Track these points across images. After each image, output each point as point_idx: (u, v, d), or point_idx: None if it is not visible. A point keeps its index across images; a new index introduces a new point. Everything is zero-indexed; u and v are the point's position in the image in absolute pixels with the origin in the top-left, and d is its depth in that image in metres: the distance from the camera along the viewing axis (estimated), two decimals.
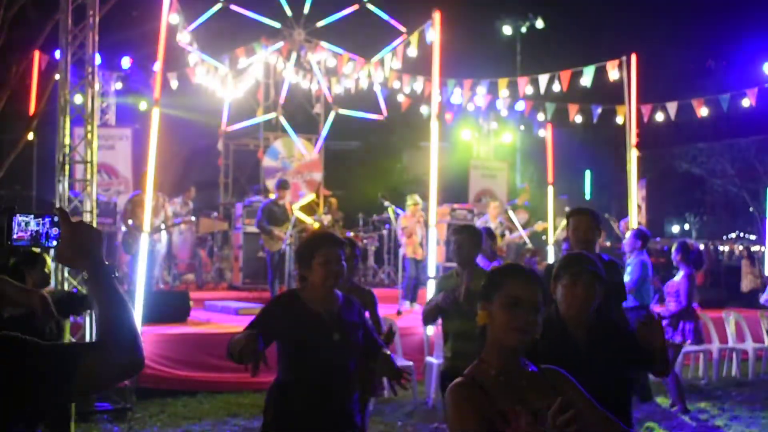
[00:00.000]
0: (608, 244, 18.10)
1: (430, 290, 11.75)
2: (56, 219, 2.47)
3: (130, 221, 12.83)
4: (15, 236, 2.40)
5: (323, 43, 18.93)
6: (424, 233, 14.24)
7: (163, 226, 13.96)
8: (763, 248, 24.70)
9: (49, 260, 6.79)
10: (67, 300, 6.85)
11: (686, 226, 44.11)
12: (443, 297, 6.43)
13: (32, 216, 2.44)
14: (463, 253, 6.69)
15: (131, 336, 2.44)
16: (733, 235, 41.59)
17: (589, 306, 4.20)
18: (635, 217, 14.82)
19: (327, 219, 17.18)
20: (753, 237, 37.45)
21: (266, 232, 14.46)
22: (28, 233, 2.44)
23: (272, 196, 15.91)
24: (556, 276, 4.31)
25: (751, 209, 36.10)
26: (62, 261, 2.68)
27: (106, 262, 2.58)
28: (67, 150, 10.90)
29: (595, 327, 4.25)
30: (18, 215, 2.41)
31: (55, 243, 2.48)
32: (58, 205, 10.82)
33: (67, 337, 7.77)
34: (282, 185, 15.22)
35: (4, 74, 18.14)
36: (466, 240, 6.73)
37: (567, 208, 18.73)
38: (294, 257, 4.81)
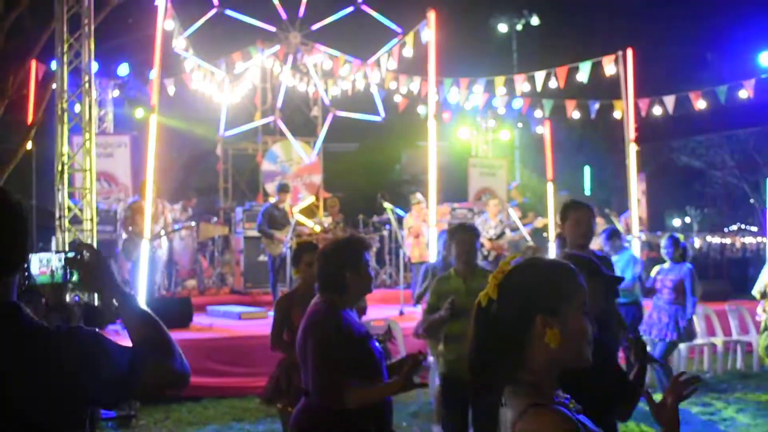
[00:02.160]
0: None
1: None
2: (69, 255, 2.63)
3: (130, 228, 12.83)
4: (38, 272, 2.59)
5: (319, 46, 18.93)
6: (428, 233, 14.24)
7: (163, 233, 13.96)
8: (764, 239, 24.71)
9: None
10: (87, 313, 6.92)
11: (687, 219, 44.08)
12: (446, 308, 6.27)
13: (53, 252, 2.63)
14: (464, 251, 6.60)
15: (176, 347, 2.69)
16: (734, 227, 41.57)
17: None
18: (636, 212, 14.82)
19: (328, 221, 17.18)
20: (754, 228, 37.45)
21: (267, 235, 14.47)
22: (50, 269, 2.61)
23: (272, 200, 15.92)
24: None
25: (751, 201, 36.11)
26: (86, 291, 2.88)
27: (125, 287, 2.72)
28: (65, 158, 10.93)
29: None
30: (38, 253, 2.59)
31: (75, 277, 2.64)
32: (58, 214, 10.84)
33: None
34: (282, 188, 15.22)
35: (2, 84, 18.16)
36: (465, 239, 6.64)
37: None
38: (337, 263, 4.34)
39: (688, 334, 10.21)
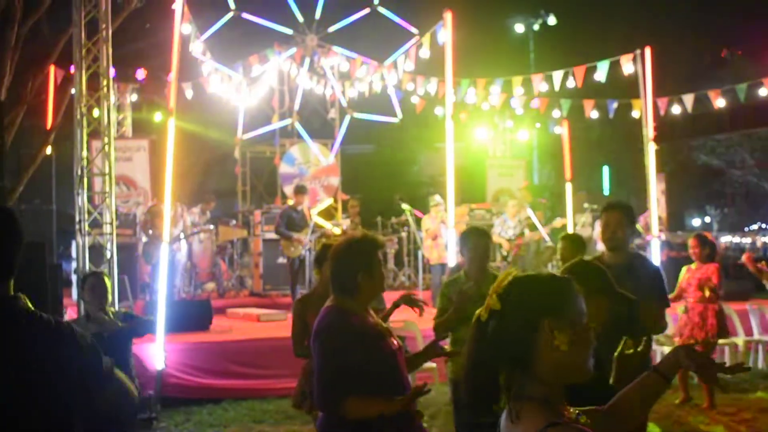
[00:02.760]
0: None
1: None
2: None
3: (150, 231, 12.88)
4: None
5: (336, 48, 18.94)
6: (446, 235, 14.22)
7: (182, 236, 13.99)
8: None
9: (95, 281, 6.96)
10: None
11: (707, 219, 43.85)
12: (457, 305, 6.19)
13: None
14: (478, 255, 6.50)
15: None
16: (754, 227, 41.32)
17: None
18: (655, 211, 14.74)
19: (346, 223, 17.19)
20: None
21: (285, 237, 14.48)
22: None
23: (290, 202, 15.93)
24: None
25: None
26: None
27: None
28: (84, 163, 10.98)
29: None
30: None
31: None
32: (78, 218, 10.89)
33: None
34: (299, 190, 15.25)
35: (21, 89, 18.29)
36: (478, 242, 6.55)
37: (586, 204, 18.74)
38: (348, 264, 4.20)
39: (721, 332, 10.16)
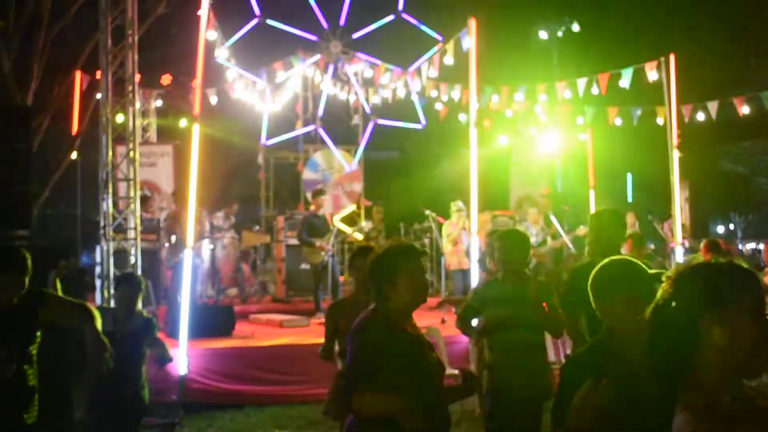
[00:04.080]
0: (652, 246, 17.95)
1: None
2: None
3: (171, 236, 12.94)
4: None
5: (360, 54, 18.99)
6: (469, 241, 14.21)
7: (207, 240, 14.02)
8: None
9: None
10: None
11: (731, 226, 43.56)
12: (483, 333, 6.22)
13: None
14: (513, 257, 6.43)
15: None
16: None
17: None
18: (679, 219, 14.67)
19: (368, 225, 17.20)
20: None
21: (308, 244, 14.50)
22: None
23: (312, 208, 15.97)
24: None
25: None
26: None
27: None
28: (110, 168, 11.04)
29: None
30: None
31: None
32: (102, 223, 10.96)
33: None
34: (315, 194, 15.27)
35: (47, 95, 18.44)
36: (516, 244, 6.48)
37: None
38: (375, 276, 4.21)
39: None
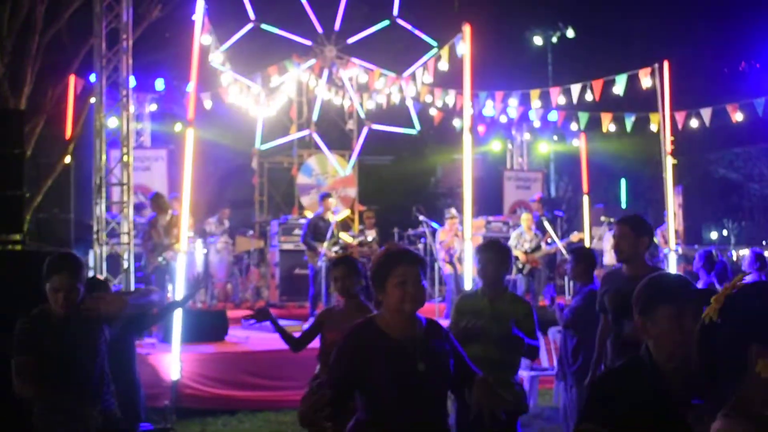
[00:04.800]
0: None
1: None
2: None
3: (150, 243, 12.88)
4: None
5: (355, 59, 18.99)
6: (461, 248, 14.22)
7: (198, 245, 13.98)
8: None
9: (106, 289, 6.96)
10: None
11: (724, 232, 43.67)
12: (469, 324, 5.97)
13: None
14: (489, 271, 6.25)
15: None
16: None
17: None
18: (672, 225, 14.70)
19: (371, 234, 17.19)
20: None
21: (311, 247, 14.50)
22: None
23: (309, 214, 15.95)
24: (650, 302, 3.36)
25: None
26: None
27: None
28: (103, 173, 11.03)
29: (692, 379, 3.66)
30: None
31: None
32: (96, 228, 10.95)
33: None
34: (323, 197, 15.29)
35: (41, 99, 18.41)
36: (493, 258, 6.27)
37: (603, 217, 18.70)
38: (373, 282, 4.20)
39: None
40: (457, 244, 14.86)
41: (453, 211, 15.82)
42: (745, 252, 32.22)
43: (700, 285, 10.13)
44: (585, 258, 8.01)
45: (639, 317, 3.35)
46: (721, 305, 2.36)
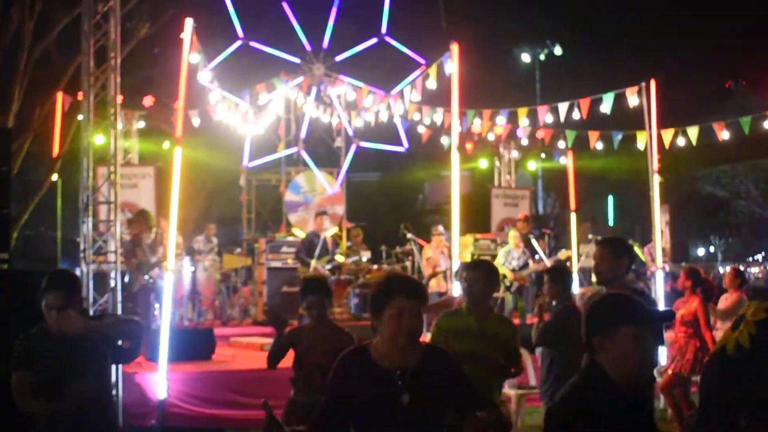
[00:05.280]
0: (633, 268, 18.01)
1: None
2: None
3: (132, 261, 12.81)
4: None
5: (343, 77, 19.01)
6: (448, 265, 14.23)
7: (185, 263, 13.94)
8: None
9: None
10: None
11: (711, 249, 43.83)
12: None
13: None
14: (476, 290, 6.22)
15: None
16: (759, 256, 41.30)
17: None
18: (659, 243, 14.74)
19: (365, 255, 17.17)
20: None
21: (304, 263, 14.49)
22: None
23: (296, 231, 15.94)
24: (609, 322, 3.38)
25: None
26: None
27: None
28: (90, 191, 10.99)
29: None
30: None
31: None
32: (82, 246, 10.91)
33: None
34: (317, 214, 15.35)
35: (28, 116, 18.37)
36: (479, 277, 6.24)
37: (590, 235, 18.73)
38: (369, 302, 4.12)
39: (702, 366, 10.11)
40: (443, 261, 14.86)
41: (440, 228, 15.89)
42: None
43: (691, 302, 10.16)
44: (562, 278, 8.03)
45: (596, 337, 3.35)
46: (752, 332, 2.33)
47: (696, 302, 10.03)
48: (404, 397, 3.90)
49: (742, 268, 30.83)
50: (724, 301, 11.32)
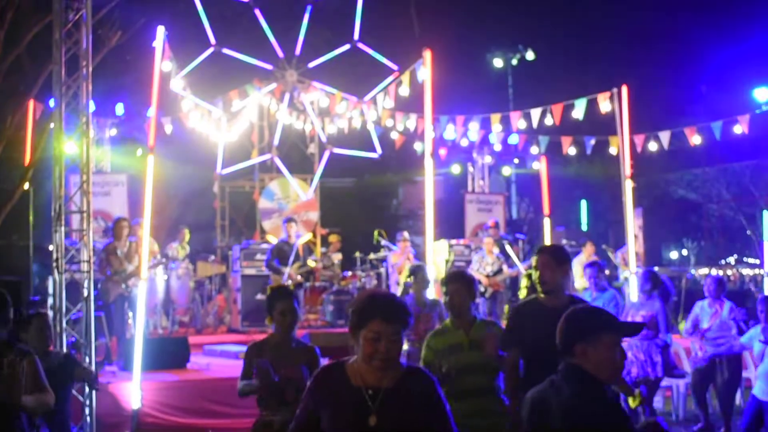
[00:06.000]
0: (607, 272, 18.10)
1: None
2: None
3: (107, 270, 12.72)
4: None
5: (316, 84, 19.02)
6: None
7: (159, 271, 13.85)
8: (762, 271, 24.71)
9: (43, 322, 6.89)
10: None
11: (684, 252, 44.13)
12: (444, 370, 5.93)
13: None
14: (457, 302, 6.29)
15: None
16: (731, 260, 41.60)
17: None
18: (633, 247, 14.83)
19: (337, 257, 17.17)
20: (752, 261, 37.43)
21: (276, 271, 14.47)
22: None
23: (270, 238, 15.89)
24: (593, 330, 3.79)
25: (748, 232, 36.15)
26: None
27: None
28: (62, 200, 10.92)
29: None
30: None
31: None
32: (55, 256, 10.84)
33: None
34: (286, 221, 15.34)
35: (0, 124, 18.20)
36: (459, 288, 6.31)
37: (564, 240, 18.82)
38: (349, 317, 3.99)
39: (667, 369, 10.19)
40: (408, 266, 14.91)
41: (405, 234, 16.08)
42: (706, 271, 32.60)
43: (651, 304, 10.23)
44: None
45: (579, 344, 3.76)
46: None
47: (657, 305, 10.14)
48: (371, 417, 3.82)
49: (717, 272, 31.08)
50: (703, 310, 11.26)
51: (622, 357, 3.78)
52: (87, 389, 9.34)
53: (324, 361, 5.21)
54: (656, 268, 21.25)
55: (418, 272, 8.95)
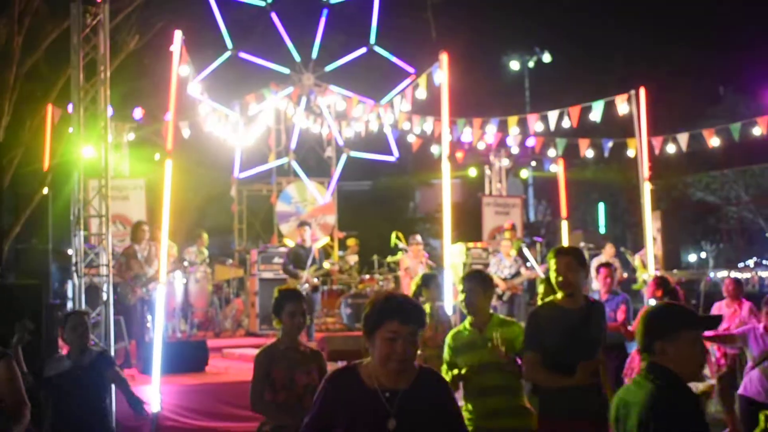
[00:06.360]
0: (625, 275, 18.04)
1: None
2: None
3: (126, 273, 12.73)
4: None
5: (332, 87, 19.02)
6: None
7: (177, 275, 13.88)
8: None
9: (77, 321, 6.95)
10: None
11: (703, 255, 43.91)
12: (461, 372, 6.03)
13: None
14: (473, 301, 6.30)
15: None
16: (750, 262, 41.39)
17: None
18: (651, 250, 14.75)
19: (353, 259, 17.15)
20: None
21: (292, 275, 14.48)
22: None
23: (288, 241, 15.89)
24: (673, 328, 3.87)
25: (767, 235, 35.99)
26: None
27: None
28: (81, 205, 10.97)
29: None
30: None
31: None
32: (74, 260, 10.89)
33: None
34: (298, 225, 15.37)
35: (19, 129, 18.32)
36: (474, 287, 6.32)
37: (582, 243, 18.75)
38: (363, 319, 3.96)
39: None
40: (421, 270, 14.88)
41: (418, 237, 16.06)
42: (725, 274, 32.45)
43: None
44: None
45: (658, 341, 3.83)
46: None
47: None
48: (391, 421, 3.80)
49: (736, 275, 30.91)
50: (721, 310, 11.20)
51: (703, 352, 3.89)
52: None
53: (339, 365, 5.17)
54: (675, 271, 21.22)
55: (431, 282, 8.69)
